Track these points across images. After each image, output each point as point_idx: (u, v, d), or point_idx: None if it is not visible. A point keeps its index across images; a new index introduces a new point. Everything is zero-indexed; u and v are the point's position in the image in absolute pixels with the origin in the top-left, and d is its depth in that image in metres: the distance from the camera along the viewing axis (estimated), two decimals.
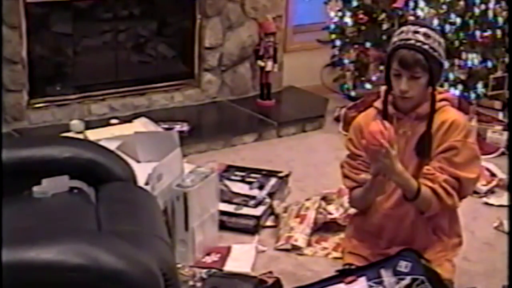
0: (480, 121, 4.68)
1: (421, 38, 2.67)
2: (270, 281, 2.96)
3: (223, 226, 3.43)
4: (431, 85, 2.73)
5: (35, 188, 2.60)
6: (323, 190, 3.74)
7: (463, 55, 4.68)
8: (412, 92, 2.69)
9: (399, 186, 2.73)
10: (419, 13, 4.60)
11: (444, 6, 4.61)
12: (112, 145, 3.33)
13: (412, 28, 2.71)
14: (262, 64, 4.98)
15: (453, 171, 2.70)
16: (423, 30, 2.70)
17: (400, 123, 2.77)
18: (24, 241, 2.00)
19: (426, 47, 2.66)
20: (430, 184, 2.68)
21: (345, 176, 2.90)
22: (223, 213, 3.44)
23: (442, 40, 2.75)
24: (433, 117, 2.73)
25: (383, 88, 2.85)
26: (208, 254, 3.24)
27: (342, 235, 3.27)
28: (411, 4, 4.66)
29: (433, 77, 2.70)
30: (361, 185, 2.81)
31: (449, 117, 2.73)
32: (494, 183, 4.03)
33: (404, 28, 2.74)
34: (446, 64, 2.80)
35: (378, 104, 2.84)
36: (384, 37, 4.85)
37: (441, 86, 3.53)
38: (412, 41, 2.67)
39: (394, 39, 2.74)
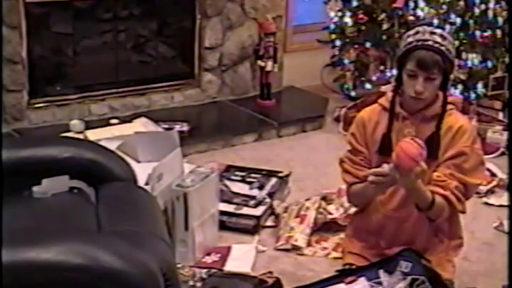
0: (480, 121, 4.68)
1: (438, 39, 2.65)
2: (270, 281, 2.95)
3: (223, 226, 3.43)
4: (443, 87, 2.70)
5: (35, 188, 2.60)
6: (323, 190, 3.74)
7: (463, 55, 4.68)
8: (426, 93, 2.65)
9: (415, 199, 2.69)
10: (419, 13, 4.59)
11: (444, 6, 4.61)
12: (112, 145, 3.33)
13: (428, 29, 2.68)
14: (262, 64, 4.98)
15: (462, 177, 2.69)
16: (439, 31, 2.68)
17: (405, 123, 2.75)
18: (24, 241, 2.00)
19: (443, 48, 2.64)
20: (442, 191, 2.66)
21: (345, 171, 2.87)
22: (223, 213, 3.44)
23: (454, 43, 2.74)
24: (443, 118, 2.71)
25: (385, 87, 2.83)
26: (208, 254, 3.24)
27: (342, 235, 3.27)
28: (411, 4, 4.66)
29: (446, 79, 2.69)
30: (361, 181, 2.77)
31: (456, 122, 2.72)
32: (494, 183, 4.03)
33: (419, 29, 2.70)
34: None
35: (383, 101, 2.81)
36: (384, 37, 4.86)
37: None
38: (430, 42, 2.63)
39: (410, 39, 2.69)
